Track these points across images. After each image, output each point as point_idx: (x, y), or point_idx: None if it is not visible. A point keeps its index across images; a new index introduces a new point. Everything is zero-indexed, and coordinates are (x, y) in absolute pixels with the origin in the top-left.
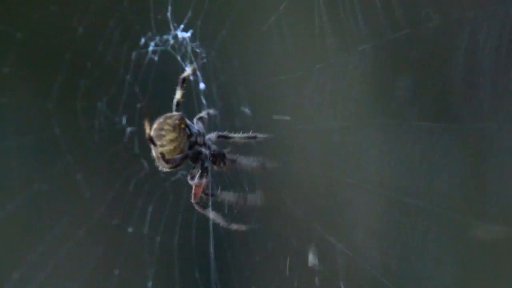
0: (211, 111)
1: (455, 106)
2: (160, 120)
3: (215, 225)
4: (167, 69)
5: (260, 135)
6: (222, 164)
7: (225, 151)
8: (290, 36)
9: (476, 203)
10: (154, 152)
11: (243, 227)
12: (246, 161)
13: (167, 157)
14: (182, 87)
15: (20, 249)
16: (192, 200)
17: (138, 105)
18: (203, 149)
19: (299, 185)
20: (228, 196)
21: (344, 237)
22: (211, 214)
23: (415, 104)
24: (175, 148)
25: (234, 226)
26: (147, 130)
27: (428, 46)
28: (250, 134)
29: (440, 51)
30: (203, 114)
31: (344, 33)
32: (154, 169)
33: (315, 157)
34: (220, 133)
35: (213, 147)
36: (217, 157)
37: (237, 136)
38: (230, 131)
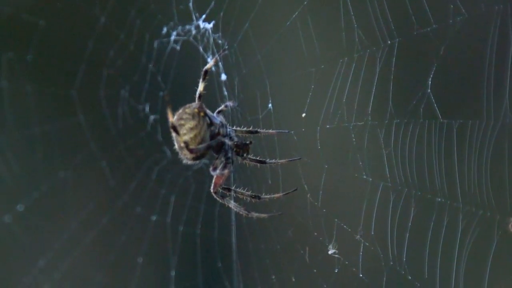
0: (230, 104)
1: (481, 102)
2: (180, 111)
3: (237, 215)
4: (189, 58)
5: (262, 131)
6: (245, 155)
7: (247, 141)
8: (315, 30)
9: (498, 199)
10: (176, 144)
11: (263, 215)
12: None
13: (190, 146)
14: (204, 79)
15: (45, 236)
16: (211, 190)
17: (161, 93)
18: (226, 140)
19: (319, 180)
20: (244, 195)
21: (361, 229)
22: (231, 204)
23: (446, 99)
24: (195, 136)
25: (255, 215)
26: (170, 118)
27: (457, 41)
28: (251, 128)
29: (469, 46)
30: (222, 107)
31: (370, 27)
32: (177, 157)
33: (334, 153)
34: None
35: (236, 138)
36: (241, 148)
37: (239, 129)
38: (251, 125)
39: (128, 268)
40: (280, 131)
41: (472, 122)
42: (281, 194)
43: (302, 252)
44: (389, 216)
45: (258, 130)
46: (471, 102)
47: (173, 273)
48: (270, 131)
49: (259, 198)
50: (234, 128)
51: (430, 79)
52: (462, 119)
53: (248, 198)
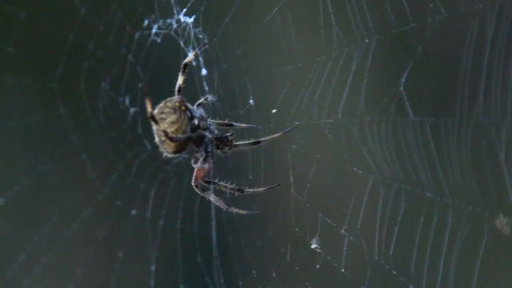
0: (210, 97)
1: (462, 100)
2: (161, 104)
3: (217, 210)
4: (169, 51)
5: (237, 124)
6: (226, 149)
7: (228, 134)
8: (294, 27)
9: (485, 195)
10: (157, 138)
11: (243, 212)
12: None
13: (170, 134)
14: (184, 73)
15: (26, 230)
16: (193, 183)
17: (139, 85)
18: (207, 133)
19: (302, 174)
20: (227, 188)
21: (346, 223)
22: (212, 197)
23: (421, 98)
24: (176, 130)
25: (234, 210)
26: (149, 108)
27: (435, 40)
28: (227, 121)
29: (447, 45)
30: (202, 100)
31: (349, 25)
32: (157, 151)
33: (318, 148)
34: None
35: (216, 131)
36: (221, 141)
37: (215, 121)
38: (232, 120)
39: (108, 262)
40: (250, 125)
41: (445, 120)
42: (265, 188)
43: (283, 250)
44: (379, 210)
45: (233, 123)
46: (446, 101)
47: (153, 267)
48: (243, 125)
49: (242, 191)
50: (212, 120)
51: (403, 78)
52: (434, 117)
53: (230, 192)
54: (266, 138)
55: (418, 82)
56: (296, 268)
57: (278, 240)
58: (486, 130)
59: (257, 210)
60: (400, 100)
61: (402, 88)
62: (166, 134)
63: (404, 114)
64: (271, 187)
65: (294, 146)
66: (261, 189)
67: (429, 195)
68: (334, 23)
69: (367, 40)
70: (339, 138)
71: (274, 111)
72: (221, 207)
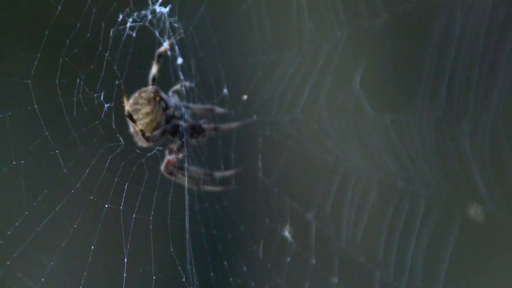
0: (187, 83)
1: (424, 94)
2: (135, 95)
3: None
4: (145, 44)
5: (218, 109)
6: (200, 138)
7: (201, 122)
8: (268, 17)
9: (459, 185)
10: (132, 128)
11: (216, 188)
12: (226, 126)
13: (146, 134)
14: (158, 62)
15: None
16: (162, 168)
17: (116, 82)
18: (181, 123)
19: (274, 163)
20: (198, 175)
21: (314, 209)
22: (182, 180)
23: (390, 93)
24: (151, 121)
25: (208, 188)
26: (127, 107)
27: (405, 32)
28: (209, 106)
29: (417, 36)
30: (178, 87)
31: (322, 18)
32: (130, 145)
33: (291, 135)
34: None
35: (191, 120)
36: (195, 130)
37: (196, 106)
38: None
39: (81, 255)
40: (224, 111)
41: (406, 115)
42: (233, 171)
43: (255, 247)
44: (349, 198)
45: (216, 108)
46: (408, 95)
47: (125, 259)
48: (225, 110)
49: (212, 175)
50: (190, 104)
51: (359, 75)
52: (397, 112)
53: (201, 176)
54: (226, 125)
55: (381, 77)
56: (269, 265)
57: (250, 239)
58: (448, 123)
59: (231, 186)
60: (363, 95)
61: (358, 85)
62: (143, 134)
63: (362, 111)
64: (239, 170)
65: (268, 133)
66: (230, 172)
67: (401, 183)
68: (307, 15)
69: (339, 33)
70: (311, 128)
71: (245, 97)
72: (193, 188)
